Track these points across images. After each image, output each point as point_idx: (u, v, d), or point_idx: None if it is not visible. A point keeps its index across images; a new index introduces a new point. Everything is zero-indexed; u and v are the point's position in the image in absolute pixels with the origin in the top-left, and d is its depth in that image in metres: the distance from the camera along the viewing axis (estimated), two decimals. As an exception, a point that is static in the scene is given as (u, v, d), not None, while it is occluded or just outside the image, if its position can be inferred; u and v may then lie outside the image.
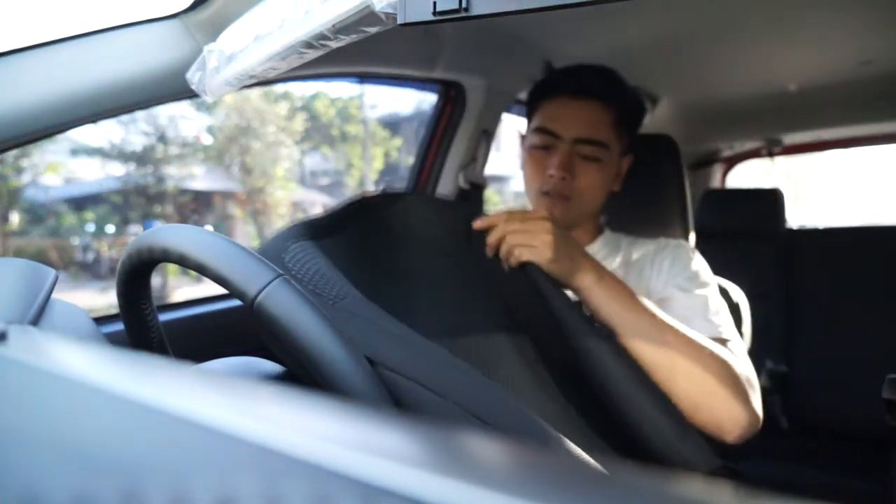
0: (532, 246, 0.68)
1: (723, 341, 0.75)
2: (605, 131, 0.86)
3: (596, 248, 0.93)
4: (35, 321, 0.34)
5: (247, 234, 9.58)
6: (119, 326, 0.56)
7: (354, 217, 0.69)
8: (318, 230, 0.61)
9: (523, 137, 0.97)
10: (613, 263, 0.90)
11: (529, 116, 0.94)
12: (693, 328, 0.74)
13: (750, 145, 2.23)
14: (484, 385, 0.47)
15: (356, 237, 0.66)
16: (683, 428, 0.63)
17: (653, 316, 0.68)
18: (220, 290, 0.45)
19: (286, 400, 0.24)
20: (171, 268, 7.32)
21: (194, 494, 0.15)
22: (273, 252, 0.53)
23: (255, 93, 9.12)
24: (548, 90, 0.90)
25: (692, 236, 1.05)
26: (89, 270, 8.29)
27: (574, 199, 0.86)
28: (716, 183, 2.49)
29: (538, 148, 0.88)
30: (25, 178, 6.94)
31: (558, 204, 0.86)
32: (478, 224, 0.72)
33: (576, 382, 0.65)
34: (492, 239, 0.71)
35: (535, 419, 0.45)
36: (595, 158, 0.86)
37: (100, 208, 8.71)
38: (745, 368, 0.72)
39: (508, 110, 1.49)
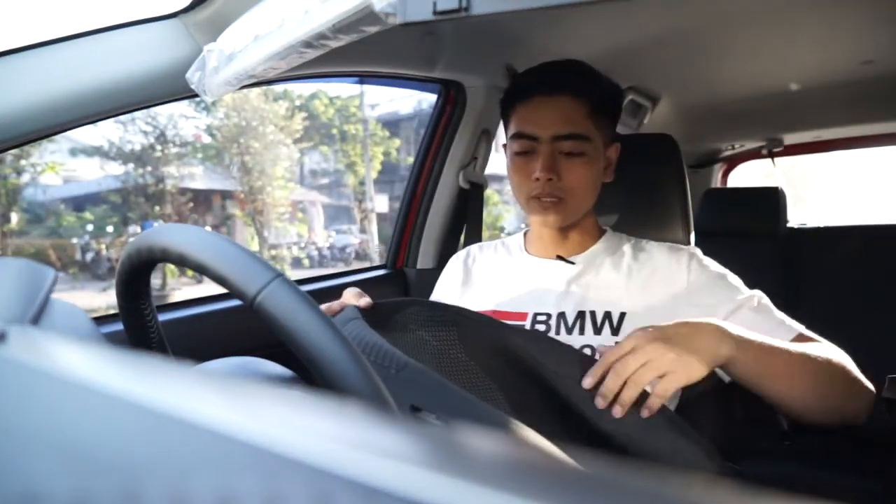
0: (663, 374, 0.62)
1: (805, 337, 0.78)
2: (583, 123, 0.84)
3: (598, 250, 0.92)
4: (35, 321, 0.34)
5: (246, 236, 9.59)
6: (119, 326, 0.56)
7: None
8: (367, 316, 0.64)
9: (504, 146, 0.95)
10: (619, 266, 0.89)
11: (507, 126, 0.92)
12: (772, 335, 0.75)
13: (750, 145, 2.23)
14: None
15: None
16: (679, 426, 0.64)
17: (778, 349, 0.69)
18: (220, 290, 0.45)
19: (286, 400, 0.24)
20: (171, 268, 7.32)
21: (194, 494, 0.15)
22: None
23: (255, 92, 9.13)
24: (518, 94, 0.88)
25: (692, 236, 1.05)
26: (89, 270, 8.29)
27: (566, 198, 0.85)
28: (716, 183, 2.49)
29: (520, 154, 0.87)
30: (25, 178, 6.93)
31: (551, 207, 0.85)
32: (588, 382, 0.65)
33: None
34: (610, 386, 0.63)
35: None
36: (578, 153, 0.84)
37: (99, 208, 8.71)
38: (838, 351, 0.76)
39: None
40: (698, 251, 0.90)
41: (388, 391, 0.41)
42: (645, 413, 0.63)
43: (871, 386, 0.75)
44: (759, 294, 0.84)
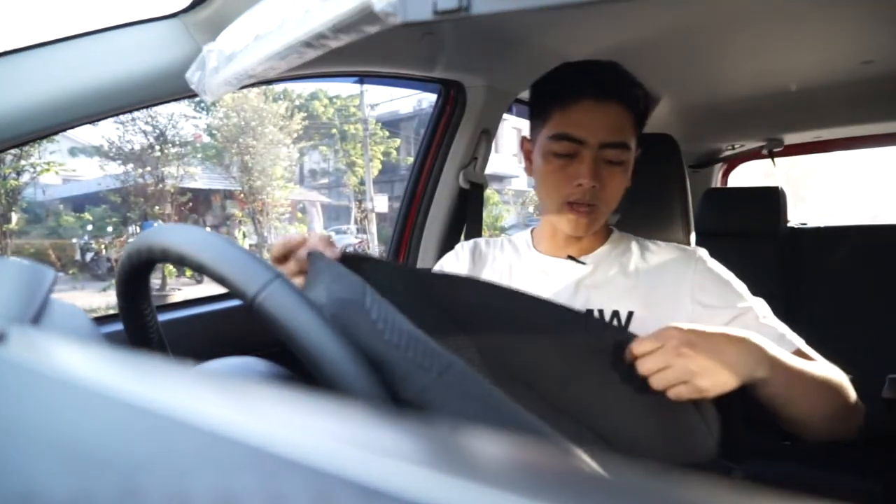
0: (687, 379, 0.61)
1: (802, 352, 0.78)
2: (628, 133, 0.83)
3: (607, 250, 0.92)
4: (35, 321, 0.34)
5: (237, 235, 9.59)
6: (119, 326, 0.56)
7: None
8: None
9: (527, 140, 0.93)
10: (627, 266, 0.89)
11: (542, 119, 0.87)
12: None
13: (750, 145, 2.23)
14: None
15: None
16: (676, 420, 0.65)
17: (802, 371, 0.69)
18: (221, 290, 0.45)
19: (286, 400, 0.24)
20: (170, 268, 7.32)
21: (194, 494, 0.15)
22: (354, 298, 0.45)
23: (255, 92, 9.12)
24: (568, 94, 0.84)
25: (693, 236, 1.05)
26: (88, 270, 8.30)
27: (600, 206, 0.84)
28: (716, 183, 2.49)
29: (560, 156, 0.84)
30: (25, 178, 6.93)
31: (584, 214, 0.84)
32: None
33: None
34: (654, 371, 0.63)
35: None
36: (619, 162, 0.83)
37: (99, 208, 8.72)
38: (838, 371, 0.77)
39: (508, 110, 1.50)
40: (705, 252, 0.90)
41: (427, 397, 0.39)
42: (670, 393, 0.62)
43: (862, 406, 0.77)
44: (761, 303, 0.84)
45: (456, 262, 1.00)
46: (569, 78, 0.86)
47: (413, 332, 0.43)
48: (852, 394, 0.75)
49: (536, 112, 0.89)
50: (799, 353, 0.78)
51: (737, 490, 0.16)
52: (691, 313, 0.83)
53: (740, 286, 0.86)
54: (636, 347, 0.64)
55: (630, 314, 0.84)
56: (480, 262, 0.98)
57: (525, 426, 0.43)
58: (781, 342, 0.77)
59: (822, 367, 0.74)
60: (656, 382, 0.62)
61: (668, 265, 0.87)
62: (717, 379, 0.61)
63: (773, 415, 0.71)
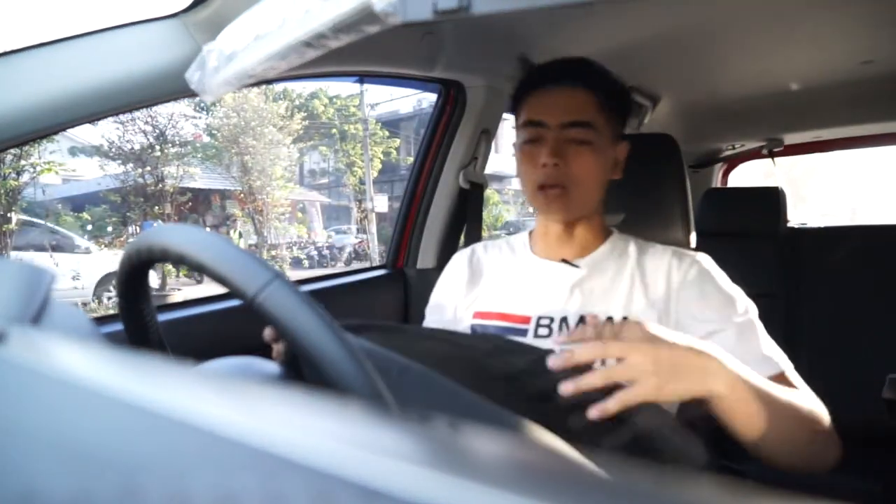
0: (634, 380, 0.54)
1: (784, 377, 0.76)
2: (592, 113, 0.86)
3: (604, 252, 0.92)
4: (35, 321, 0.34)
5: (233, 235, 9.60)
6: (119, 326, 0.56)
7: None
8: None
9: (515, 145, 0.96)
10: (623, 269, 0.89)
11: (517, 118, 0.94)
12: (751, 368, 0.72)
13: (750, 145, 2.23)
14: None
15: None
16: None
17: (768, 396, 0.63)
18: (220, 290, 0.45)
19: (286, 400, 0.24)
20: (170, 268, 7.32)
21: (193, 494, 0.15)
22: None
23: (255, 92, 9.12)
24: (529, 85, 0.90)
25: (693, 236, 1.05)
26: (89, 270, 8.28)
27: (571, 188, 0.86)
28: (716, 183, 2.50)
29: (528, 142, 0.88)
30: (25, 177, 6.93)
31: (556, 197, 0.86)
32: (560, 339, 0.60)
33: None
34: (576, 357, 0.56)
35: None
36: (586, 141, 0.85)
37: (99, 208, 8.72)
38: (818, 403, 0.73)
39: (508, 110, 1.50)
40: (705, 258, 0.89)
41: (389, 394, 0.41)
42: (593, 413, 0.53)
43: (838, 441, 0.71)
44: (747, 322, 0.80)
45: (455, 273, 1.01)
46: (533, 71, 0.94)
47: (371, 347, 0.49)
48: (825, 427, 0.70)
49: (514, 111, 0.95)
50: (781, 377, 0.75)
51: (737, 490, 0.16)
52: (679, 321, 0.83)
53: (730, 300, 0.82)
54: (593, 329, 0.58)
55: (624, 319, 0.84)
56: (478, 271, 0.99)
57: (492, 417, 0.45)
58: (763, 365, 0.74)
59: (798, 396, 0.70)
60: (600, 375, 0.54)
61: (664, 269, 0.87)
62: (662, 387, 0.55)
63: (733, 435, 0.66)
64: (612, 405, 0.54)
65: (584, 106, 0.86)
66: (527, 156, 0.88)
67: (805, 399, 0.71)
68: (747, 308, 0.82)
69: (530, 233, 1.00)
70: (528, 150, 0.88)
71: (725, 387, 0.58)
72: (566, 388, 0.54)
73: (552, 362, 0.56)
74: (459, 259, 1.03)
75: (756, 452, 0.65)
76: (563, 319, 0.86)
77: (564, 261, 0.91)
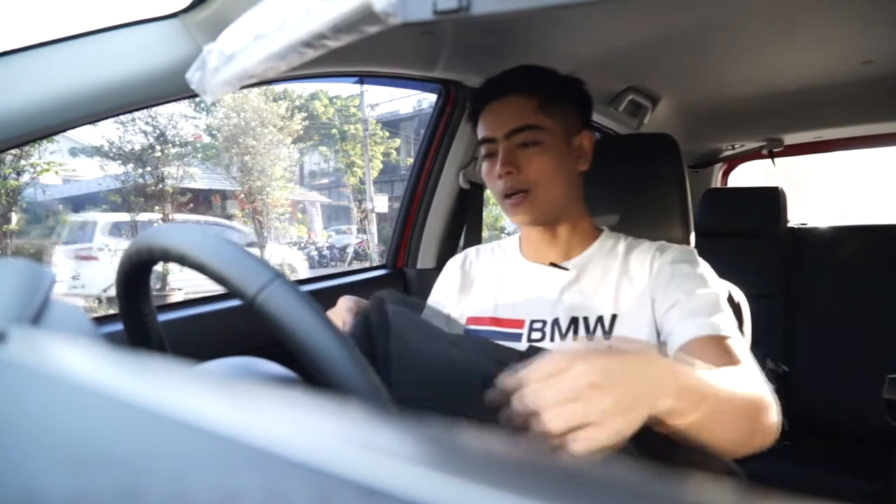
0: (588, 423, 0.47)
1: (722, 338, 0.74)
2: (534, 115, 0.88)
3: (592, 253, 0.92)
4: (35, 321, 0.34)
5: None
6: (119, 326, 0.56)
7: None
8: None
9: None
10: (611, 268, 0.89)
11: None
12: (692, 326, 0.75)
13: (750, 145, 2.23)
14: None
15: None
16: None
17: (715, 391, 0.58)
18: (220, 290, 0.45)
19: (286, 400, 0.24)
20: (169, 268, 7.32)
21: (194, 494, 0.15)
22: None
23: (255, 92, 9.12)
24: (477, 106, 0.94)
25: (692, 236, 1.05)
26: (89, 270, 8.28)
27: (532, 190, 0.87)
28: (716, 183, 2.50)
29: (486, 157, 0.92)
30: (25, 178, 6.94)
31: (520, 202, 0.87)
32: (493, 396, 0.51)
33: None
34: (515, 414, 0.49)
35: None
36: (534, 143, 0.87)
37: (99, 208, 8.71)
38: (759, 383, 0.68)
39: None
40: (686, 248, 0.89)
41: (401, 358, 0.42)
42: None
43: (776, 423, 0.66)
44: (714, 293, 0.80)
45: (448, 279, 1.03)
46: (475, 93, 0.98)
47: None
48: (767, 407, 0.65)
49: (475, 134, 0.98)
50: (718, 343, 0.72)
51: (737, 490, 0.16)
52: (652, 299, 0.83)
53: (700, 280, 0.82)
54: (532, 371, 0.49)
55: (614, 317, 0.84)
56: (470, 276, 1.00)
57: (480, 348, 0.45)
58: (703, 319, 0.74)
59: (744, 378, 0.66)
60: (553, 421, 0.47)
61: (647, 261, 0.87)
62: (619, 422, 0.48)
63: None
64: (578, 447, 0.46)
65: (525, 110, 0.88)
66: (487, 171, 0.92)
67: (750, 379, 0.67)
68: (709, 284, 0.82)
69: (520, 237, 1.01)
70: (487, 165, 0.91)
71: (673, 398, 0.52)
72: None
73: (492, 396, 0.50)
74: (452, 265, 1.04)
75: (694, 441, 0.60)
76: (555, 322, 0.86)
77: (553, 264, 0.92)
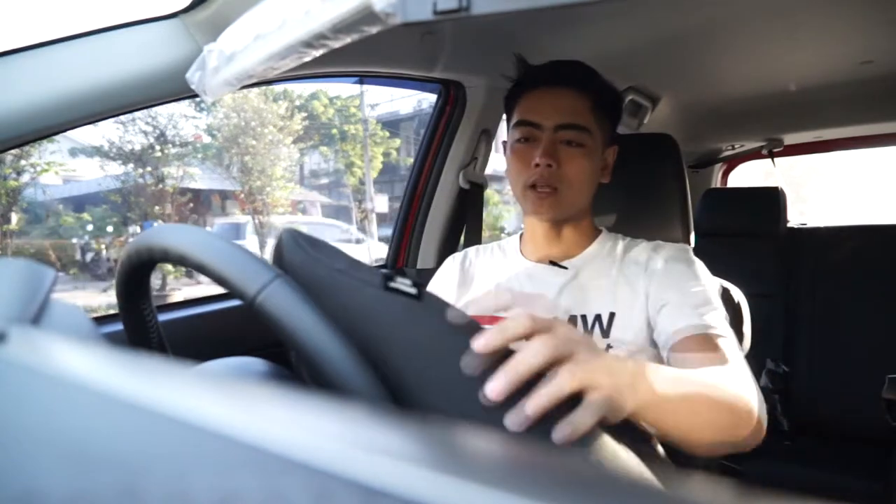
0: (588, 385, 0.43)
1: (712, 336, 0.73)
2: (585, 116, 0.87)
3: (592, 252, 0.92)
4: (35, 321, 0.34)
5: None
6: (119, 326, 0.56)
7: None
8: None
9: (505, 143, 0.97)
10: (610, 268, 0.89)
11: (509, 117, 0.94)
12: (682, 324, 0.75)
13: (750, 145, 2.23)
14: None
15: None
16: None
17: (683, 395, 0.56)
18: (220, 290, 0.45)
19: (286, 400, 0.24)
20: (169, 268, 7.32)
21: (194, 494, 0.15)
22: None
23: (255, 92, 9.13)
24: (524, 85, 0.91)
25: (692, 236, 1.05)
26: (88, 270, 8.30)
27: (562, 189, 0.86)
28: (716, 183, 2.50)
29: (520, 141, 0.89)
30: (25, 178, 6.94)
31: (546, 197, 0.86)
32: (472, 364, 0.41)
33: None
34: (506, 384, 0.40)
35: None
36: (579, 144, 0.86)
37: (99, 208, 8.72)
38: (742, 381, 0.66)
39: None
40: (682, 247, 0.89)
41: (374, 305, 0.41)
42: (560, 436, 0.39)
43: (764, 421, 0.65)
44: (704, 291, 0.79)
45: (446, 276, 1.02)
46: (528, 72, 0.94)
47: (356, 261, 0.47)
48: (748, 409, 0.63)
49: (507, 111, 0.95)
50: (706, 341, 0.72)
51: (737, 490, 0.16)
52: (647, 296, 0.83)
53: (694, 279, 0.81)
54: (515, 326, 0.44)
55: (612, 315, 0.84)
56: (470, 274, 1.00)
57: (460, 321, 0.44)
58: (692, 316, 0.75)
59: (718, 380, 0.63)
60: (554, 388, 0.41)
61: (643, 260, 0.87)
62: (619, 393, 0.44)
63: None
64: (583, 422, 0.41)
65: (579, 109, 0.86)
66: (519, 154, 0.88)
67: (728, 381, 0.64)
68: (701, 280, 0.81)
69: (521, 235, 1.00)
70: (521, 149, 0.88)
71: (633, 403, 0.48)
72: (495, 390, 0.40)
73: (478, 344, 0.41)
74: (451, 263, 1.04)
75: (674, 443, 0.59)
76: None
77: (553, 262, 0.92)
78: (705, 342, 0.73)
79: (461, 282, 0.99)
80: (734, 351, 0.73)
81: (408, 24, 0.38)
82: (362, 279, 0.44)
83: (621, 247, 0.92)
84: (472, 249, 1.05)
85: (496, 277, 0.96)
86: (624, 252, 0.91)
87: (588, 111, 0.87)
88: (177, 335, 0.69)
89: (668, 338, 0.77)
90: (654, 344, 0.82)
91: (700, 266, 0.87)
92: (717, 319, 0.76)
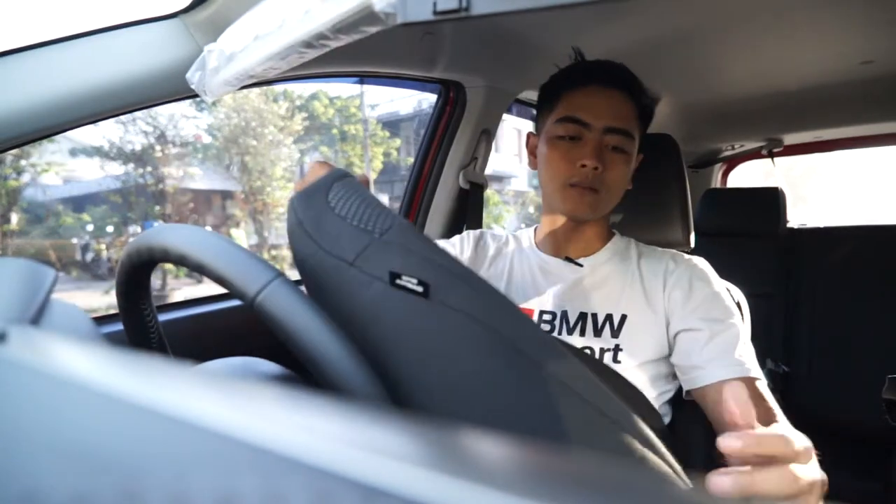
0: (787, 495, 0.45)
1: (751, 380, 0.73)
2: (632, 122, 0.86)
3: (607, 253, 0.92)
4: (35, 321, 0.34)
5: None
6: (119, 326, 0.56)
7: None
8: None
9: (533, 135, 0.95)
10: (625, 271, 0.89)
11: (550, 107, 0.90)
12: (720, 367, 0.74)
13: (750, 145, 2.23)
14: (529, 324, 0.45)
15: None
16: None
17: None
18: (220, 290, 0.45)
19: (286, 400, 0.24)
20: (169, 268, 7.32)
21: (194, 494, 0.15)
22: (318, 191, 0.49)
23: (255, 92, 9.13)
24: (576, 79, 0.88)
25: (692, 236, 1.05)
26: (89, 270, 8.30)
27: (602, 192, 0.85)
28: (716, 183, 2.50)
29: (564, 138, 0.86)
30: (25, 178, 6.94)
31: (587, 195, 0.85)
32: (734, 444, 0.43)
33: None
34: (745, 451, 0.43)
35: (569, 353, 0.43)
36: (622, 150, 0.85)
37: (99, 208, 8.72)
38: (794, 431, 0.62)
39: (508, 110, 1.49)
40: (700, 261, 0.89)
41: (369, 254, 0.41)
42: (717, 483, 0.39)
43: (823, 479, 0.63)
44: (732, 323, 0.79)
45: (460, 248, 0.99)
46: (579, 66, 0.91)
47: (359, 206, 0.46)
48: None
49: (545, 100, 0.92)
50: (749, 384, 0.71)
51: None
52: (666, 317, 0.83)
53: (716, 301, 0.82)
54: (768, 436, 0.46)
55: (623, 317, 0.84)
56: (482, 255, 0.98)
57: (472, 283, 0.43)
58: (727, 367, 0.74)
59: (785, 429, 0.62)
60: (760, 482, 0.42)
61: (661, 271, 0.87)
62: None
63: None
64: (750, 484, 0.41)
65: (626, 113, 0.86)
66: (562, 151, 0.86)
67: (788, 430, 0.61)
68: (732, 312, 0.81)
69: (535, 229, 1.00)
70: (565, 146, 0.86)
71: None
72: (720, 486, 0.39)
73: (725, 444, 0.42)
74: (468, 237, 1.01)
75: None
76: (564, 314, 0.86)
77: (568, 258, 0.92)
78: (747, 388, 0.69)
79: (473, 259, 0.98)
80: (770, 395, 0.73)
81: (408, 24, 0.38)
82: (371, 274, 0.43)
83: (635, 251, 0.92)
84: (488, 233, 1.03)
85: (511, 267, 0.95)
86: (639, 257, 0.91)
87: (634, 117, 0.86)
88: (177, 335, 0.69)
89: (703, 377, 0.75)
90: (664, 358, 0.82)
91: (719, 284, 0.85)
92: (752, 360, 0.76)
